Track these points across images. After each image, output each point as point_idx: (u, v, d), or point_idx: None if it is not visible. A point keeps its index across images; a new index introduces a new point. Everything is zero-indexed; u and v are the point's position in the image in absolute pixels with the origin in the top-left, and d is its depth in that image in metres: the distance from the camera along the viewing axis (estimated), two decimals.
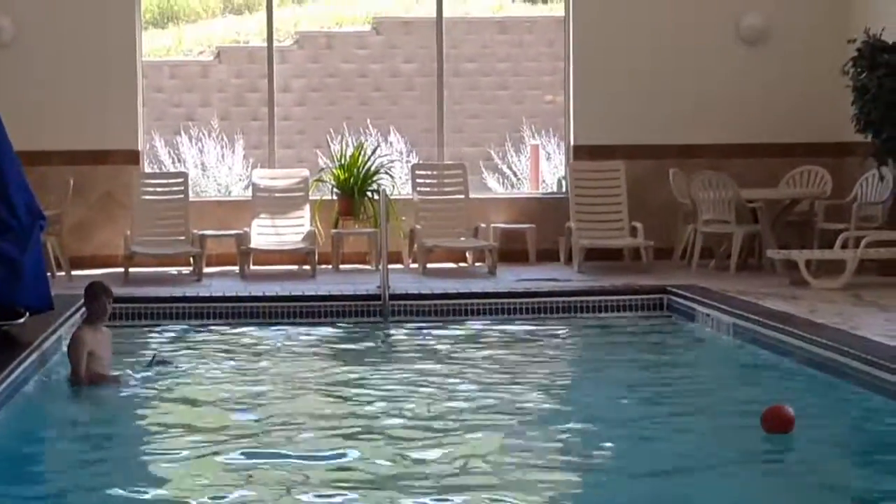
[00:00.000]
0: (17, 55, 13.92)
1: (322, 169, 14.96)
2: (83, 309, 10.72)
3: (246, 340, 10.72)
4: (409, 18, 18.52)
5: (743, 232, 13.24)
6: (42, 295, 9.70)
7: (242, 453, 7.18)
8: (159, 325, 11.25)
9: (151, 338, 10.78)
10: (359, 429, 7.74)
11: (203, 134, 17.42)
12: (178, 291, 12.04)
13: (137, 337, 10.65)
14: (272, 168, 14.62)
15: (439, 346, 10.45)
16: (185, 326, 11.24)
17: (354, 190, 14.12)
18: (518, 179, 17.64)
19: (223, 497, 6.39)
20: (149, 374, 9.16)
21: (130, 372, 9.16)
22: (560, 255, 14.10)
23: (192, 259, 13.38)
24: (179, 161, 17.14)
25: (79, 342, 8.89)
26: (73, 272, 13.04)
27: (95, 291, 9.00)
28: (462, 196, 14.29)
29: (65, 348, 9.92)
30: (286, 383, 9.16)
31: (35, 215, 9.71)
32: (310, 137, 17.52)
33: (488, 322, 11.42)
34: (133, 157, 14.17)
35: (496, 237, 13.79)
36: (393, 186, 14.74)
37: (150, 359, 9.49)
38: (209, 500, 6.35)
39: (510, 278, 12.77)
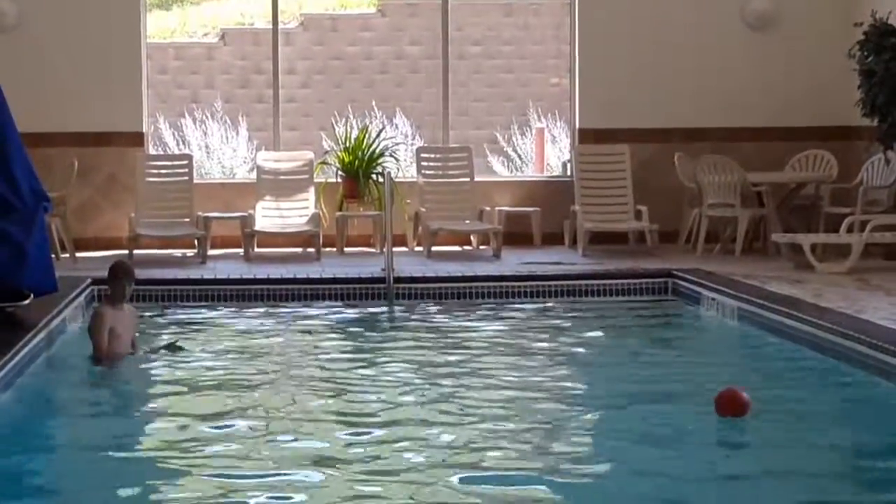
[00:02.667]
0: (22, 38, 13.89)
1: (327, 151, 14.96)
2: (89, 290, 10.82)
3: (250, 323, 10.71)
4: (414, 1, 18.48)
5: (748, 216, 13.22)
6: (46, 277, 9.70)
7: (245, 436, 7.18)
8: (164, 307, 11.23)
9: (156, 320, 10.77)
10: (363, 411, 7.74)
11: (207, 116, 17.40)
12: (182, 274, 12.04)
13: (142, 319, 10.62)
14: (277, 150, 14.60)
15: (444, 329, 10.45)
16: (190, 308, 11.23)
17: (359, 173, 14.10)
18: (523, 162, 17.62)
19: (224, 479, 6.39)
20: (158, 354, 9.19)
21: (145, 350, 9.20)
22: (565, 238, 14.09)
23: (196, 241, 13.38)
24: (184, 143, 17.14)
25: (99, 319, 8.94)
26: (78, 254, 13.04)
27: (116, 273, 9.07)
28: (467, 179, 14.27)
29: (70, 329, 9.97)
30: (290, 366, 9.17)
31: (39, 197, 9.70)
32: (314, 120, 17.51)
33: (493, 305, 11.41)
34: (137, 139, 14.17)
35: (501, 220, 13.78)
36: (398, 169, 14.73)
37: (167, 343, 9.47)
38: (207, 481, 6.36)
39: (515, 261, 12.76)
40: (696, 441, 7.15)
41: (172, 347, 9.31)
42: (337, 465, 6.61)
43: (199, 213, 13.64)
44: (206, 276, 11.95)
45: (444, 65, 14.87)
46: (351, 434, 7.22)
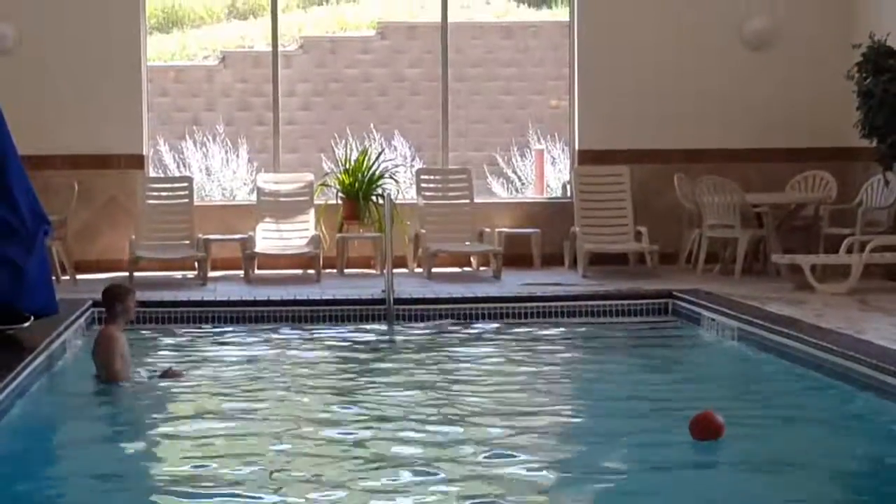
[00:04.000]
0: (22, 61, 13.92)
1: (327, 173, 14.99)
2: (89, 312, 10.81)
3: (250, 345, 10.71)
4: (413, 23, 18.54)
5: (748, 236, 13.24)
6: (47, 299, 9.70)
7: (245, 460, 7.18)
8: (164, 329, 11.23)
9: (156, 342, 10.77)
10: (363, 434, 7.73)
11: (208, 138, 17.44)
12: (182, 295, 12.04)
13: (142, 341, 10.62)
14: (277, 172, 14.63)
15: (444, 351, 10.45)
16: (190, 330, 11.23)
17: (359, 194, 14.12)
18: (523, 184, 17.65)
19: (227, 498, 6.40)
20: (155, 381, 9.15)
21: (142, 374, 9.18)
22: (565, 259, 14.10)
23: (196, 263, 13.39)
24: (184, 165, 17.17)
25: (115, 342, 8.88)
26: (78, 276, 13.05)
27: (123, 292, 9.06)
28: (467, 200, 14.29)
29: (70, 353, 9.96)
30: (290, 388, 9.16)
31: (40, 220, 9.70)
32: (314, 142, 17.54)
33: (493, 326, 11.41)
34: (138, 162, 14.19)
35: (501, 241, 13.79)
36: (397, 191, 14.75)
37: (160, 371, 9.30)
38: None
39: (515, 283, 12.76)
40: (695, 461, 7.15)
41: (168, 375, 9.18)
42: (334, 487, 6.61)
43: (200, 235, 13.66)
44: (206, 298, 11.95)
45: (443, 87, 14.90)
46: (349, 456, 7.22)
